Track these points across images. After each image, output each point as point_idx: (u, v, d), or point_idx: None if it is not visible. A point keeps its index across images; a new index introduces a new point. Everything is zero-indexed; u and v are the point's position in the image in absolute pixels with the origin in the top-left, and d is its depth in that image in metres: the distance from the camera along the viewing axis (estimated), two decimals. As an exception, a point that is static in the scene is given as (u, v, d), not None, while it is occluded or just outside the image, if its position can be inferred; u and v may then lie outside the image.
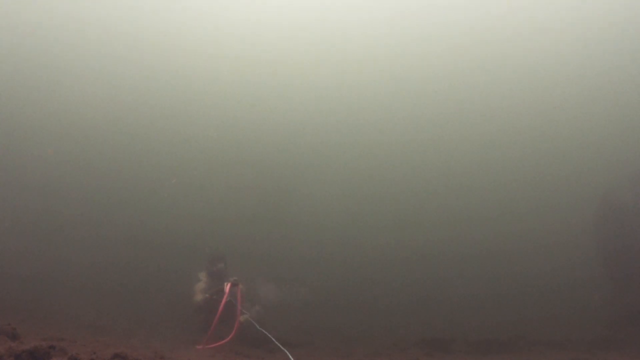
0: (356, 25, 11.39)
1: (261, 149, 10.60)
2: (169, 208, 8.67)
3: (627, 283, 6.35)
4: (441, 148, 11.49)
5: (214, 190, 9.08)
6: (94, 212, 8.81)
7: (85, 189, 9.29)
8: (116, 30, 10.75)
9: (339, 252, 8.35)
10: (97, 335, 4.11)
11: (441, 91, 11.94)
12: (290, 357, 2.68)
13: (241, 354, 3.80)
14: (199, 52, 11.33)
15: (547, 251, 8.82)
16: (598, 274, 7.12)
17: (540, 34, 11.22)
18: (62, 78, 10.82)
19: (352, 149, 11.30)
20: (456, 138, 11.55)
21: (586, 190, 8.73)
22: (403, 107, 11.86)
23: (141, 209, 8.33)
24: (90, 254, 7.56)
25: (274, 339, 3.38)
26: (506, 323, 6.16)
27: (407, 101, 11.91)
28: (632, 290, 6.18)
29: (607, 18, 10.66)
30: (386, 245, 8.96)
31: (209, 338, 4.23)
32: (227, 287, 4.53)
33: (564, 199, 9.89)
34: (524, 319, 6.64)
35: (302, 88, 11.64)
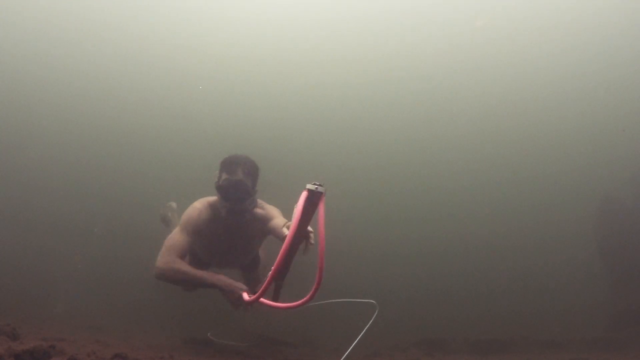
0: (352, 22, 11.40)
1: (259, 148, 10.58)
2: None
3: (628, 283, 6.35)
4: (439, 147, 11.49)
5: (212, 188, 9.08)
6: (94, 210, 8.81)
7: (85, 188, 9.28)
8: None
9: (337, 250, 8.35)
10: (97, 335, 4.10)
11: (440, 90, 11.94)
12: None
13: (241, 354, 3.80)
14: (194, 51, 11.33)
15: (547, 251, 8.82)
16: (598, 273, 7.12)
17: (540, 32, 11.22)
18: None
19: (350, 148, 11.29)
20: (454, 137, 11.55)
21: (586, 190, 8.74)
22: (403, 106, 11.86)
23: (142, 208, 8.34)
24: (90, 253, 7.55)
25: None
26: (506, 323, 6.17)
27: (408, 99, 11.91)
28: (632, 290, 6.19)
29: (607, 16, 10.66)
30: (385, 243, 8.96)
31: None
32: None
33: (564, 199, 9.89)
34: (524, 319, 6.65)
35: (300, 87, 11.63)
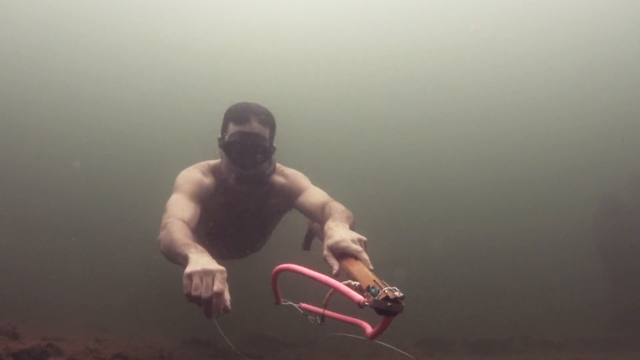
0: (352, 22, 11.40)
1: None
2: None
3: (628, 283, 6.35)
4: (437, 147, 11.49)
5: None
6: (93, 210, 8.81)
7: (85, 187, 9.28)
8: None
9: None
10: (97, 334, 4.10)
11: (437, 90, 11.94)
12: None
13: (241, 354, 3.79)
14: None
15: (547, 251, 8.81)
16: (598, 273, 7.12)
17: (540, 31, 11.22)
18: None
19: (344, 150, 11.28)
20: (454, 137, 11.55)
21: (586, 190, 8.73)
22: (397, 107, 11.86)
23: (141, 207, 8.35)
24: (90, 253, 7.55)
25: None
26: (506, 323, 6.16)
27: (402, 100, 11.91)
28: (632, 290, 6.19)
29: (607, 15, 10.66)
30: (384, 243, 8.94)
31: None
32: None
33: (564, 199, 9.88)
34: (524, 319, 6.64)
35: (294, 88, 11.64)
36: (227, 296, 1.48)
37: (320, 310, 1.54)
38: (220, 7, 10.96)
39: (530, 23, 11.06)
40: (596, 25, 10.85)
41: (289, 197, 2.52)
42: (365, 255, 1.62)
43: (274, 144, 2.47)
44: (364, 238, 1.74)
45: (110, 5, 10.65)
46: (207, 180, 2.44)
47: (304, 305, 1.63)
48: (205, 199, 2.37)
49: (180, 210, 2.09)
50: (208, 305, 1.42)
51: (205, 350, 3.95)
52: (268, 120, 2.38)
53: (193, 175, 2.40)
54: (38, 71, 10.65)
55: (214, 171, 2.52)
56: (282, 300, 1.68)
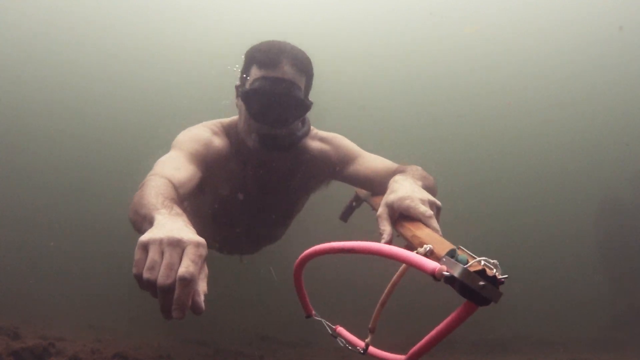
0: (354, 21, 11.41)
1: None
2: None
3: (628, 283, 6.36)
4: (439, 147, 11.49)
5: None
6: (94, 209, 8.80)
7: (86, 186, 9.28)
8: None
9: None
10: (97, 334, 4.11)
11: (440, 91, 11.94)
12: None
13: (242, 354, 3.80)
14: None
15: (547, 250, 8.82)
16: (598, 273, 7.12)
17: (540, 31, 11.23)
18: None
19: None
20: (453, 137, 11.55)
21: (587, 189, 8.73)
22: (402, 108, 11.86)
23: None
24: (90, 253, 7.55)
25: None
26: (506, 323, 6.16)
27: (406, 101, 11.91)
28: (632, 290, 6.20)
29: (608, 15, 10.67)
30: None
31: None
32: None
33: (564, 198, 9.88)
34: (524, 318, 6.64)
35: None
36: (201, 287, 0.91)
37: (361, 343, 1.10)
38: (220, 7, 10.96)
39: (531, 23, 11.07)
40: (597, 26, 10.86)
41: (333, 166, 1.94)
42: (436, 223, 1.22)
43: (310, 99, 1.85)
44: (439, 203, 1.32)
45: (108, 5, 10.64)
46: (218, 142, 1.87)
47: (340, 330, 1.14)
48: (213, 167, 1.79)
49: (171, 169, 1.53)
50: (166, 296, 0.85)
51: (204, 350, 3.95)
52: (304, 65, 1.79)
53: (200, 133, 1.84)
54: (30, 69, 10.63)
55: (228, 131, 1.94)
56: (314, 313, 1.24)
